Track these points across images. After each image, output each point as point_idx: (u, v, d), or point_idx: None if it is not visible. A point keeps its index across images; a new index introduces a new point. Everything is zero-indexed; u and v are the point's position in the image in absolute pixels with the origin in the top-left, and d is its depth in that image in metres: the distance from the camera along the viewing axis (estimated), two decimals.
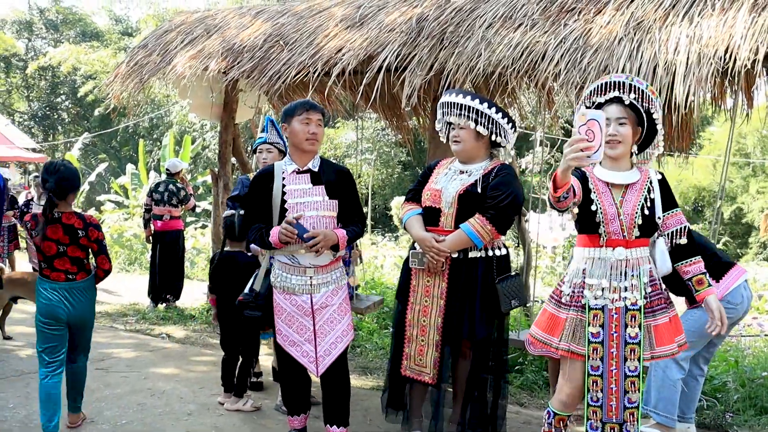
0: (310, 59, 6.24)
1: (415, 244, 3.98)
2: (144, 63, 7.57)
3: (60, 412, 4.10)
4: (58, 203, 4.00)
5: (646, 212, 3.28)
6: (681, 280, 3.42)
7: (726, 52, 4.55)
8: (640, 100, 3.30)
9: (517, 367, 5.95)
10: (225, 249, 4.92)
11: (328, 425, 3.98)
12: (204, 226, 17.75)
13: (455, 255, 3.82)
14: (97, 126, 28.51)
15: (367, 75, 5.83)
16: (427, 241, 3.81)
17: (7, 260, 9.77)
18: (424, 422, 4.14)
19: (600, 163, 3.32)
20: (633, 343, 3.25)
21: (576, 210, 3.24)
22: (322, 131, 3.97)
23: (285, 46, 6.59)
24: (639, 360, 3.25)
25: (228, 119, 8.06)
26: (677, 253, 3.37)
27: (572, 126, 3.37)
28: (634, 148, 3.35)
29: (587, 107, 3.36)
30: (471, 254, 3.84)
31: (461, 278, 3.85)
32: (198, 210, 12.40)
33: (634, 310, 3.26)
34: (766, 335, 7.96)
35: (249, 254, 4.80)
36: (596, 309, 3.24)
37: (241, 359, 4.89)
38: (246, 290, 4.15)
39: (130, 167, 19.77)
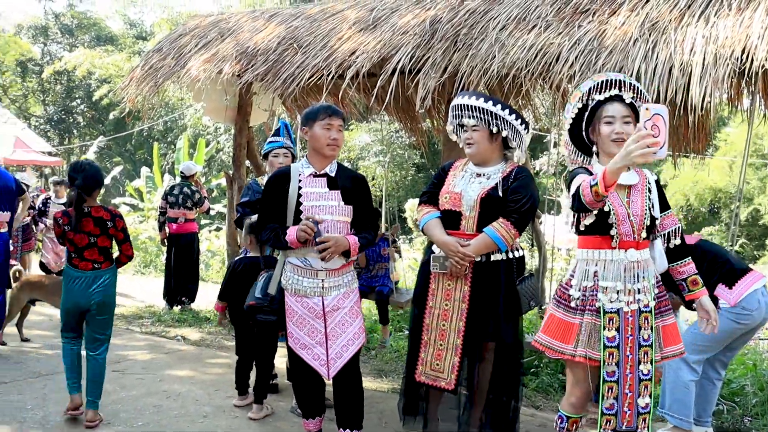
0: (323, 62, 6.24)
1: (434, 248, 3.95)
2: (158, 66, 7.61)
3: (80, 376, 4.57)
4: (86, 198, 4.41)
5: (653, 213, 3.27)
6: (671, 280, 3.46)
7: (743, 52, 4.51)
8: (637, 99, 3.30)
9: (532, 370, 5.93)
10: (248, 254, 4.83)
11: (341, 428, 3.97)
12: (218, 229, 17.81)
13: (477, 258, 3.80)
14: (111, 129, 28.66)
15: (380, 77, 5.83)
16: (452, 246, 3.78)
17: (18, 260, 9.87)
18: (440, 425, 4.12)
19: (599, 161, 3.30)
20: (646, 346, 3.23)
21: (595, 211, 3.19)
22: (343, 137, 3.96)
23: (299, 49, 6.60)
24: (651, 362, 3.24)
25: (242, 122, 8.08)
26: (672, 254, 3.39)
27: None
28: None
29: (584, 104, 3.33)
30: (493, 257, 3.83)
31: (484, 281, 3.83)
32: (212, 213, 12.45)
33: (646, 312, 3.24)
34: None
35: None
36: (611, 312, 3.18)
37: (256, 364, 4.85)
38: (257, 294, 4.15)
39: (144, 170, 19.89)
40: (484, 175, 3.90)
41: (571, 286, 3.31)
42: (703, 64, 4.57)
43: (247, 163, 8.31)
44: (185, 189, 8.82)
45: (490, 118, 3.80)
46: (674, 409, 4.42)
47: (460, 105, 3.90)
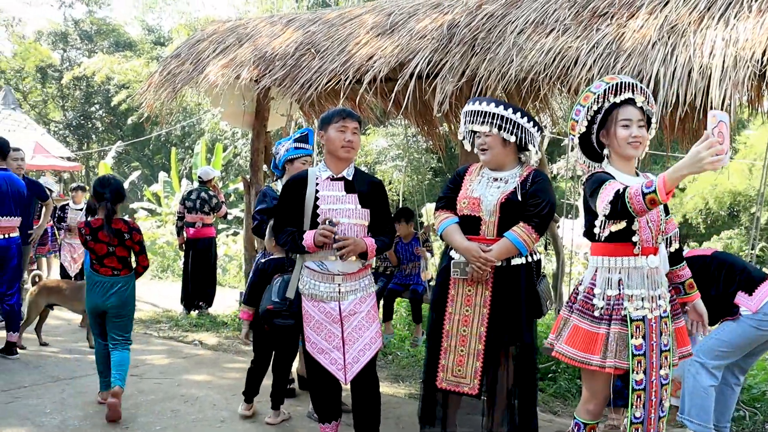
0: (341, 67, 6.24)
1: (452, 253, 3.93)
2: (177, 72, 7.65)
3: (110, 371, 4.82)
4: (116, 212, 4.77)
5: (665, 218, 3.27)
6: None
7: (763, 54, 4.46)
8: (647, 104, 3.28)
9: (549, 375, 5.89)
10: (273, 256, 4.66)
11: None
12: (236, 234, 17.87)
13: (498, 263, 3.78)
14: (130, 134, 28.87)
15: (398, 82, 5.82)
16: (474, 251, 3.75)
17: (35, 263, 10.00)
18: (459, 431, 4.10)
19: (611, 164, 3.28)
20: (666, 351, 3.23)
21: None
22: (359, 139, 3.96)
23: (316, 54, 6.61)
24: (669, 366, 3.23)
25: (260, 127, 8.11)
26: (672, 258, 3.44)
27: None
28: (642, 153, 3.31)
29: (598, 107, 3.28)
30: (514, 261, 3.82)
31: (505, 286, 3.81)
32: (229, 217, 12.49)
33: (665, 317, 3.25)
34: None
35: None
36: (638, 320, 3.14)
37: (273, 369, 4.79)
38: (274, 298, 4.14)
39: (162, 175, 20.01)
40: (501, 179, 3.88)
41: (594, 296, 3.24)
42: (723, 67, 4.52)
43: (265, 167, 8.33)
44: (203, 194, 8.84)
45: (502, 123, 3.79)
46: (693, 414, 4.37)
47: (471, 111, 3.89)
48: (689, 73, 4.63)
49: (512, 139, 3.80)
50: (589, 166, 3.43)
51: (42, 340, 6.87)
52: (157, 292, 10.90)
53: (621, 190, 2.91)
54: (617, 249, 3.21)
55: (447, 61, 5.65)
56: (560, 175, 17.49)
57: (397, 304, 8.30)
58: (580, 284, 3.37)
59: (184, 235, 8.87)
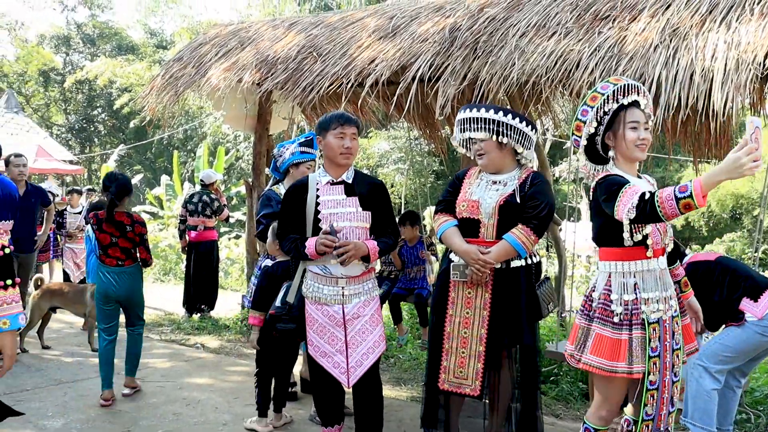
0: (343, 70, 6.25)
1: (452, 256, 3.94)
2: (179, 75, 7.66)
3: (113, 373, 5.16)
4: (118, 204, 5.09)
5: None
6: None
7: (765, 57, 4.46)
8: (648, 107, 3.28)
9: (552, 378, 5.88)
10: (276, 259, 4.58)
11: None
12: (238, 237, 17.88)
13: (498, 265, 3.79)
14: (132, 138, 28.92)
15: (400, 85, 5.83)
16: (473, 254, 3.75)
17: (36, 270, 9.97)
18: None
19: (616, 167, 3.26)
20: (677, 349, 3.24)
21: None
22: (357, 145, 3.96)
23: (318, 58, 6.62)
24: (680, 364, 3.25)
25: (262, 130, 8.11)
26: (669, 258, 3.39)
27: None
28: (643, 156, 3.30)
29: (606, 109, 3.26)
30: (513, 264, 3.82)
31: (505, 288, 3.82)
32: (232, 221, 12.48)
33: (676, 316, 3.26)
34: None
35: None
36: (654, 323, 3.14)
37: (275, 373, 4.72)
38: (277, 303, 4.14)
39: (164, 178, 20.04)
40: (500, 182, 3.89)
41: (611, 302, 3.19)
42: (725, 70, 4.52)
43: (267, 171, 8.33)
44: (204, 197, 8.84)
45: (496, 128, 3.80)
46: (696, 417, 4.37)
47: (465, 119, 3.91)
48: (691, 76, 4.64)
49: (507, 141, 3.81)
50: (592, 169, 3.42)
51: (44, 343, 6.88)
52: (159, 295, 10.90)
53: (647, 194, 2.85)
54: (631, 253, 3.17)
55: (449, 65, 5.66)
56: (562, 178, 17.48)
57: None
58: (594, 290, 3.30)
59: (187, 238, 8.88)
